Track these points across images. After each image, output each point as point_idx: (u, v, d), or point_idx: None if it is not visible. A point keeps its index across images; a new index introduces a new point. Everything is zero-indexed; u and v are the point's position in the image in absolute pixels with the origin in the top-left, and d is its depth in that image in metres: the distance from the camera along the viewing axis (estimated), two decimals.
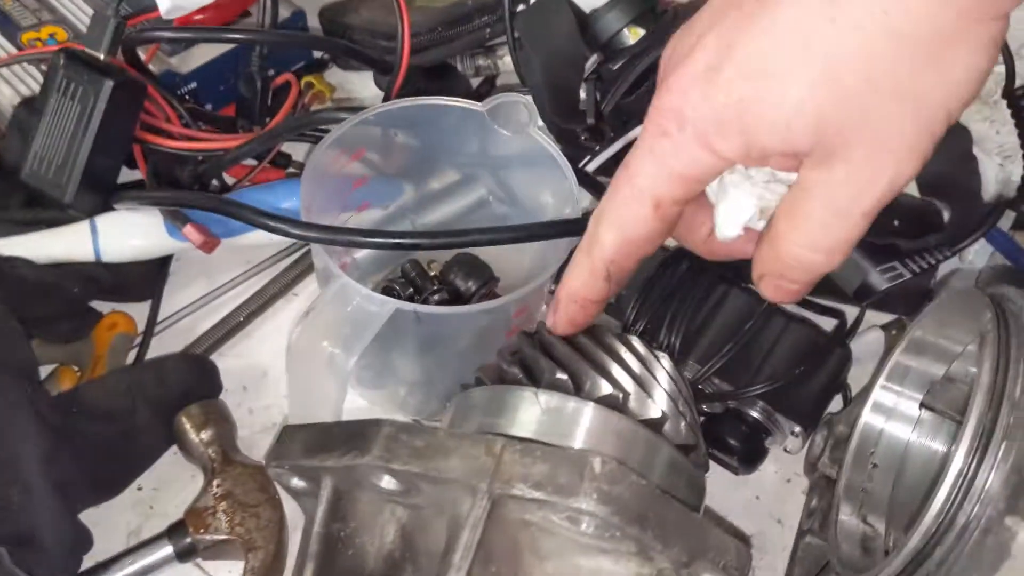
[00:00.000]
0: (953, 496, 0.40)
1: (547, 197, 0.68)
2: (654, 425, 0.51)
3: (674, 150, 0.40)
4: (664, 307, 0.67)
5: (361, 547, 0.50)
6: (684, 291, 0.68)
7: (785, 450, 0.67)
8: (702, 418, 0.69)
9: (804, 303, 0.74)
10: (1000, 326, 0.42)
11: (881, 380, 0.54)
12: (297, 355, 0.54)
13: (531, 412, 0.50)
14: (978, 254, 0.79)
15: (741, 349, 0.66)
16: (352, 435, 0.49)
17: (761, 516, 0.67)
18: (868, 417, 0.54)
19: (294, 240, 0.66)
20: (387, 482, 0.48)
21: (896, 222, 0.68)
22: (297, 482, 0.53)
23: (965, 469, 0.40)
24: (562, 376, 0.51)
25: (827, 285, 0.68)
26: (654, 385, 0.53)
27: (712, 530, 0.46)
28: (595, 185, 0.70)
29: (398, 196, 0.73)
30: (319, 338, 0.54)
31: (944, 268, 0.73)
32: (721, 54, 0.38)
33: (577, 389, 0.52)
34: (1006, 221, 0.75)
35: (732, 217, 0.42)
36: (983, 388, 0.40)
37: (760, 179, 0.41)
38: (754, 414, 0.65)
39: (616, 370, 0.52)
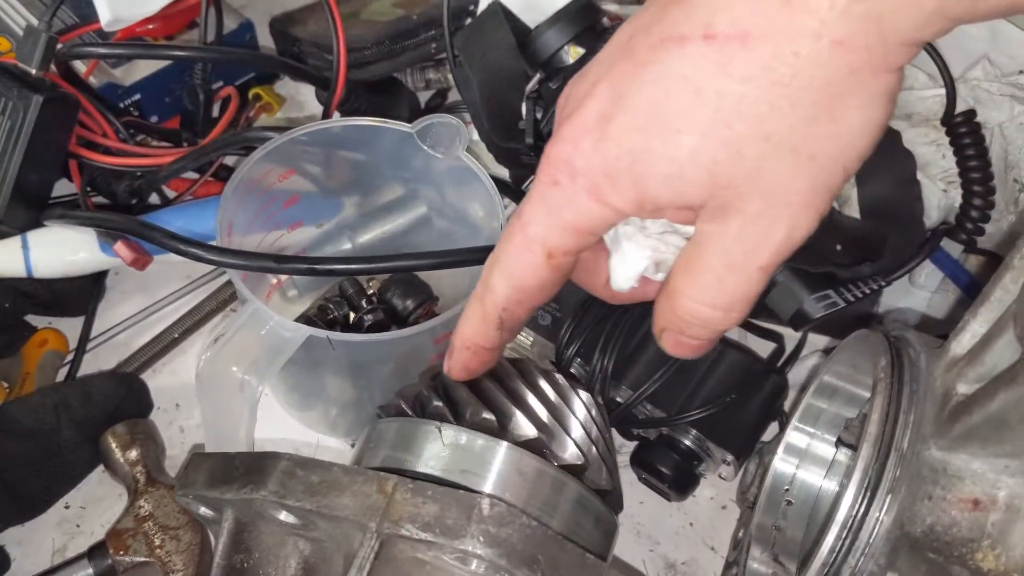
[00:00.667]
0: (838, 549, 0.39)
1: (480, 212, 0.67)
2: (571, 469, 0.51)
3: (565, 201, 0.39)
4: (598, 330, 0.67)
5: None
6: (619, 315, 0.67)
7: (720, 477, 0.66)
8: (635, 443, 0.68)
9: (744, 325, 0.73)
10: (894, 374, 0.41)
11: (794, 421, 0.54)
12: (206, 381, 0.54)
13: (435, 448, 0.49)
14: (929, 277, 0.78)
15: (675, 375, 0.65)
16: (251, 468, 0.48)
17: (694, 543, 0.66)
18: (781, 459, 0.54)
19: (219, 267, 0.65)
20: (285, 516, 0.48)
21: (838, 247, 0.67)
22: (204, 511, 0.53)
23: (850, 522, 0.39)
24: (488, 416, 0.51)
25: (768, 308, 0.68)
26: (572, 425, 0.52)
27: (607, 573, 0.45)
28: None
29: (336, 213, 0.72)
30: (228, 364, 0.53)
31: (898, 287, 0.72)
32: (613, 103, 0.37)
33: (502, 428, 0.51)
34: (956, 245, 0.74)
35: (624, 270, 0.41)
36: (870, 439, 0.39)
37: (655, 231, 0.40)
38: (686, 442, 0.65)
39: (535, 405, 0.52)
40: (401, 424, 0.51)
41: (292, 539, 0.50)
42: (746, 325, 0.73)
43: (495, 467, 0.49)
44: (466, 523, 0.43)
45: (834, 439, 0.52)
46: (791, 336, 0.71)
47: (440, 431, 0.49)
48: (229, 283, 0.74)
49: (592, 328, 0.67)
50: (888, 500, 0.39)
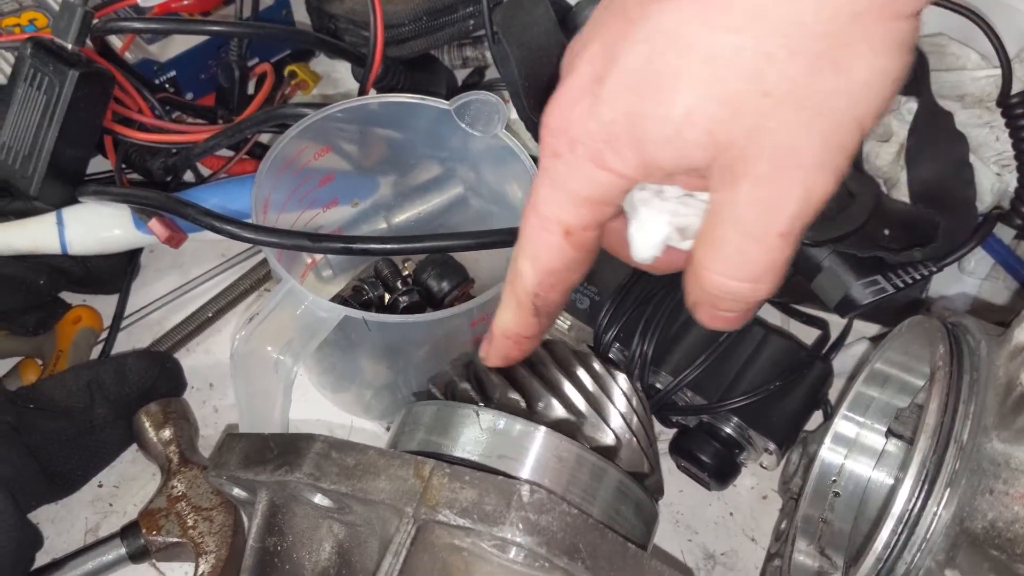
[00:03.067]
0: (893, 544, 0.37)
1: (519, 193, 0.66)
2: (606, 451, 0.49)
3: (569, 172, 0.37)
4: (638, 314, 0.65)
5: (297, 562, 0.49)
6: (659, 298, 0.66)
7: (761, 466, 0.65)
8: (674, 430, 0.67)
9: (788, 311, 0.72)
10: (953, 362, 0.39)
11: (843, 410, 0.52)
12: (241, 361, 0.53)
13: (472, 432, 0.48)
14: (979, 264, 0.76)
15: (716, 361, 0.64)
16: (285, 450, 0.48)
17: (734, 533, 0.65)
18: (828, 449, 0.52)
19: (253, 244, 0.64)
20: (320, 499, 0.47)
21: (886, 231, 0.65)
22: (238, 492, 0.52)
23: (906, 516, 0.37)
24: (514, 396, 0.50)
25: (814, 295, 0.66)
26: (609, 409, 0.51)
27: (649, 563, 0.44)
28: None
29: (372, 192, 0.71)
30: (264, 343, 0.52)
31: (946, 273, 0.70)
32: (605, 65, 0.35)
33: (530, 410, 0.50)
34: (1008, 231, 0.72)
35: (644, 237, 0.39)
36: (928, 430, 0.38)
37: (673, 195, 0.38)
38: (727, 430, 0.63)
39: (571, 392, 0.51)
40: (438, 408, 0.50)
41: (327, 522, 0.49)
42: (790, 311, 0.71)
43: (533, 452, 0.47)
44: (505, 510, 0.42)
45: (884, 429, 0.50)
46: (836, 323, 0.69)
47: (478, 415, 0.48)
48: (264, 262, 0.74)
49: (632, 312, 0.66)
50: (947, 494, 0.37)
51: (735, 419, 0.63)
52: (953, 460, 0.37)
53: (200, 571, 0.58)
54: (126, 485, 0.64)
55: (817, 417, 0.65)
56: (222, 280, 0.73)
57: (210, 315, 0.71)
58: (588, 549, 0.42)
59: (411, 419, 0.51)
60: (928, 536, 0.37)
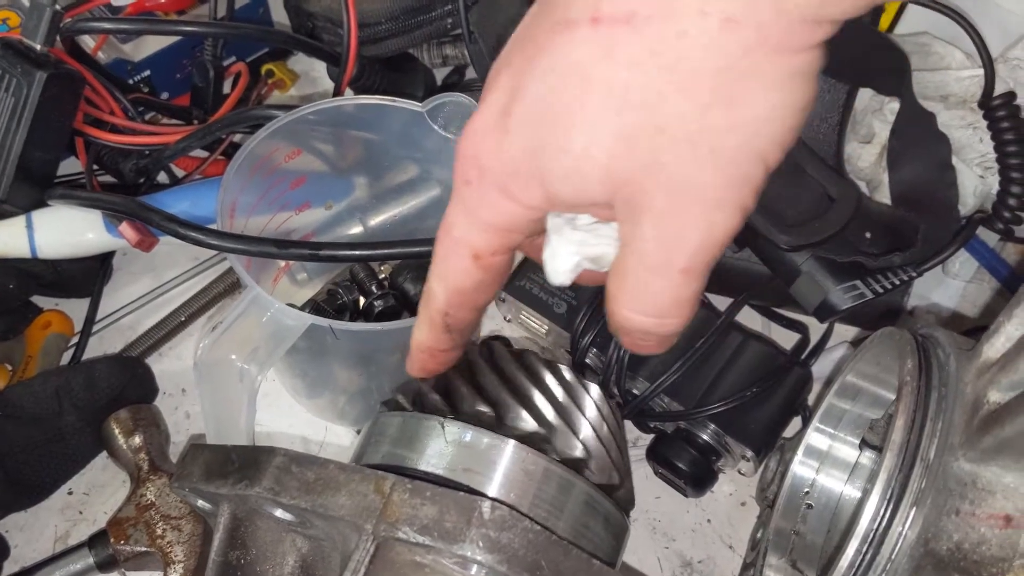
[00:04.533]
0: (858, 564, 0.37)
1: None
2: (575, 464, 0.49)
3: (479, 200, 0.36)
4: None
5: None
6: None
7: (740, 472, 0.64)
8: (652, 436, 0.66)
9: (768, 314, 0.71)
10: (921, 377, 0.38)
11: (814, 423, 0.51)
12: (205, 370, 0.52)
13: (438, 445, 0.48)
14: (963, 266, 0.75)
15: (693, 367, 0.63)
16: (246, 463, 0.47)
17: (711, 540, 0.64)
18: (800, 462, 0.51)
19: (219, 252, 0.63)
20: (281, 513, 0.46)
21: (867, 235, 0.65)
22: (202, 504, 0.51)
23: (871, 535, 0.37)
24: (483, 408, 0.49)
25: (793, 299, 0.65)
26: (579, 420, 0.50)
27: None
28: None
29: (347, 194, 0.70)
30: (228, 352, 0.52)
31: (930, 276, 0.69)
32: (511, 96, 0.35)
33: (499, 421, 0.49)
34: (993, 233, 0.71)
35: (554, 264, 0.39)
36: (894, 447, 0.37)
37: (585, 223, 0.37)
38: (704, 436, 0.62)
39: (540, 402, 0.50)
40: (404, 419, 0.50)
41: (290, 536, 0.48)
42: (769, 315, 0.71)
43: (500, 466, 0.47)
44: (465, 527, 0.41)
45: (857, 441, 0.50)
46: (817, 327, 0.68)
47: (443, 427, 0.47)
48: None
49: None
50: (912, 513, 0.36)
51: (712, 426, 0.62)
52: (919, 479, 0.36)
53: None
54: (96, 492, 0.64)
55: (796, 423, 0.65)
56: (195, 284, 0.72)
57: (183, 319, 0.70)
58: (551, 566, 0.42)
59: (377, 431, 0.50)
60: (893, 557, 0.36)
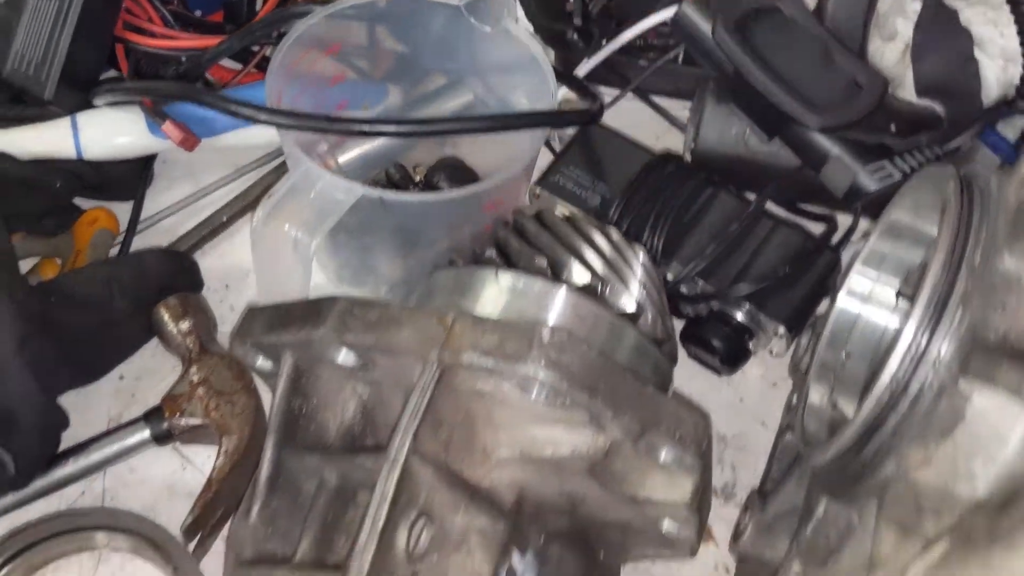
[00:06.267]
0: (906, 361, 0.38)
1: (525, 102, 0.67)
2: (625, 316, 0.50)
3: None
4: (648, 208, 0.66)
5: (322, 423, 0.50)
6: (669, 193, 0.66)
7: (771, 352, 0.66)
8: (685, 319, 0.68)
9: (795, 210, 0.73)
10: (963, 194, 0.40)
11: (857, 265, 0.53)
12: (260, 237, 0.54)
13: (492, 292, 0.49)
14: (983, 163, 0.76)
15: (726, 251, 0.64)
16: (308, 311, 0.49)
17: (744, 418, 0.66)
18: (844, 301, 0.53)
19: (270, 126, 0.65)
20: (344, 357, 0.48)
21: (892, 127, 0.66)
22: (262, 362, 0.53)
23: (919, 333, 0.38)
24: (539, 261, 0.51)
25: (821, 192, 0.67)
26: (629, 275, 0.52)
27: (667, 402, 0.45)
28: (584, 90, 0.69)
29: (382, 99, 0.71)
30: (281, 221, 0.53)
31: None
32: None
33: (553, 275, 0.51)
34: (1012, 129, 0.73)
35: None
36: (941, 251, 0.39)
37: None
38: (739, 315, 0.64)
39: (592, 257, 0.52)
40: (458, 272, 0.51)
41: (351, 383, 0.50)
42: (797, 210, 0.72)
43: (553, 310, 0.48)
44: (527, 349, 0.43)
45: (897, 284, 0.52)
46: (844, 225, 0.70)
47: (497, 276, 0.49)
48: (276, 170, 0.74)
49: (641, 207, 0.66)
50: (959, 313, 0.38)
51: (747, 304, 0.64)
52: (965, 280, 0.38)
53: (224, 448, 0.59)
54: (147, 377, 0.65)
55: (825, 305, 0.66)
56: (234, 188, 0.74)
57: (224, 219, 0.71)
58: (607, 388, 0.44)
59: (432, 284, 0.52)
60: (941, 354, 0.38)
